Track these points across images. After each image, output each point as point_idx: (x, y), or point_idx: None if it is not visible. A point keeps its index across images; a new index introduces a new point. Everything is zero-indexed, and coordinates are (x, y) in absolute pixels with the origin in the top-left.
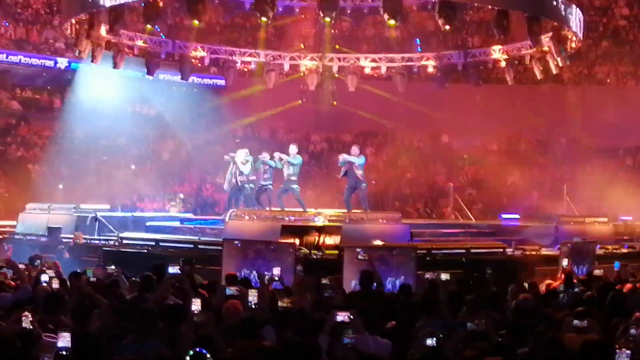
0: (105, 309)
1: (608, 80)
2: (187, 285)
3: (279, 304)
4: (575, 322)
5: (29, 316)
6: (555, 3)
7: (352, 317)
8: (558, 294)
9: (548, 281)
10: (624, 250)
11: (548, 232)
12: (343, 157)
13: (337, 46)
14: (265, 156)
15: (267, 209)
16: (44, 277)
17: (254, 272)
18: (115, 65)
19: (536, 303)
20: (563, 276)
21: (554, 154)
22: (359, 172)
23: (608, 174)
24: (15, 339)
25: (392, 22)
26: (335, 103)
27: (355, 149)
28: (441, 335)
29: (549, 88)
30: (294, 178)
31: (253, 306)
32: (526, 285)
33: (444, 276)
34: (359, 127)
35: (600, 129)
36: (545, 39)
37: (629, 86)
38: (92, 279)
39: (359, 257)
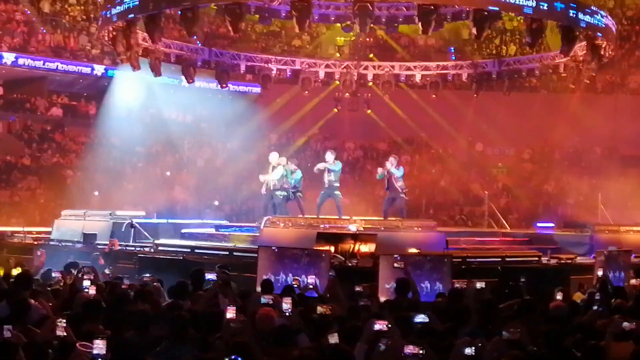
0: (140, 316)
1: None
2: (223, 293)
3: (318, 310)
4: (625, 324)
5: (64, 323)
6: (588, 13)
7: (389, 326)
8: (592, 302)
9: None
10: None
11: (583, 241)
12: (380, 170)
13: (371, 55)
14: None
15: (300, 216)
16: (86, 283)
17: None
18: (155, 73)
19: (569, 311)
20: (598, 285)
21: (588, 162)
22: (399, 184)
23: None
24: (49, 347)
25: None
26: (369, 111)
27: (392, 160)
28: (480, 344)
29: (583, 97)
30: (336, 184)
31: (288, 314)
32: (560, 293)
33: (479, 284)
34: (394, 135)
35: (634, 138)
36: (579, 48)
37: None
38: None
39: (395, 265)
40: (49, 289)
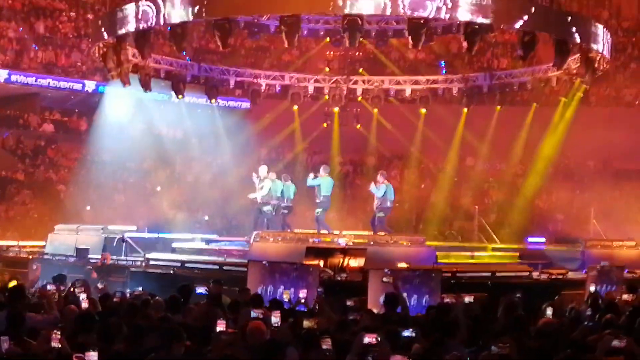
0: (132, 328)
1: (637, 102)
2: (213, 306)
3: (304, 324)
4: (615, 342)
5: (58, 335)
6: (582, 24)
7: (379, 339)
8: (583, 318)
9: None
10: None
11: (575, 256)
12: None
13: (360, 70)
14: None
15: (288, 230)
16: (82, 296)
17: (281, 288)
18: (145, 89)
19: (559, 327)
20: (589, 300)
21: (581, 176)
22: (376, 202)
23: (636, 197)
24: (44, 359)
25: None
26: (359, 126)
27: (378, 177)
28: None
29: (576, 110)
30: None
31: (276, 327)
32: (550, 309)
33: (467, 299)
34: (383, 149)
35: (628, 152)
36: (573, 61)
37: None
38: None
39: (384, 279)
40: (44, 301)
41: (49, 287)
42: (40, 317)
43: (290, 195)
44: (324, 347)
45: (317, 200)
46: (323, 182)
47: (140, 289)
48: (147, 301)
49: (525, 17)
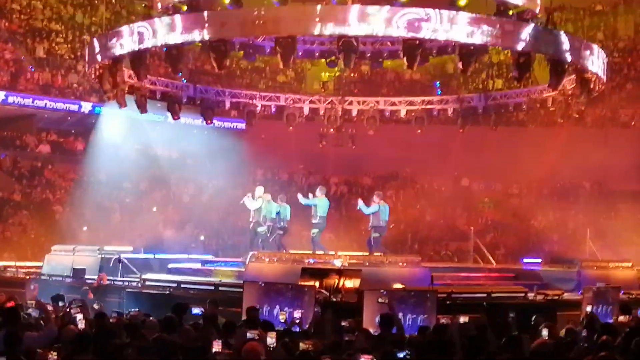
0: (128, 349)
1: (632, 123)
2: (209, 327)
3: (300, 346)
4: None
5: (55, 356)
6: (578, 45)
7: None
8: (578, 339)
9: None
10: None
11: (570, 277)
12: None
13: (355, 90)
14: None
15: (284, 251)
16: (78, 317)
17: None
18: (141, 110)
19: (554, 348)
20: (585, 321)
21: (577, 197)
22: (370, 222)
23: (632, 218)
24: None
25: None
26: (354, 146)
27: (374, 197)
28: None
29: (572, 131)
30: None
31: (271, 348)
32: (546, 329)
33: (462, 319)
34: (379, 170)
35: (625, 173)
36: (568, 82)
37: None
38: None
39: (379, 300)
40: (42, 322)
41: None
42: (37, 334)
43: (287, 217)
44: None
45: (313, 221)
46: (319, 202)
47: (137, 309)
48: (141, 322)
49: (522, 39)
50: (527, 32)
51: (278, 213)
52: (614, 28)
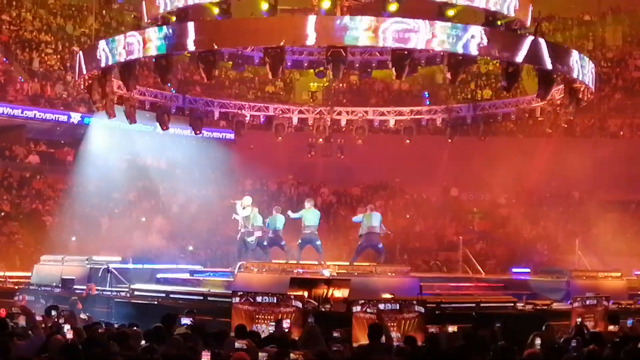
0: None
1: (621, 133)
2: (197, 337)
3: (291, 356)
4: None
5: None
6: (566, 55)
7: None
8: (567, 349)
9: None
10: (638, 306)
11: (560, 287)
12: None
13: (344, 101)
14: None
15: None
16: (67, 327)
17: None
18: (130, 121)
19: (544, 358)
20: (574, 331)
21: (566, 207)
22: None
23: (621, 228)
24: None
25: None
26: (343, 157)
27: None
28: None
29: (560, 141)
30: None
31: None
32: (538, 339)
33: (451, 328)
34: (368, 180)
35: (613, 182)
36: (557, 92)
37: None
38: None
39: (368, 310)
40: (29, 331)
41: (37, 317)
42: (25, 342)
43: (277, 226)
44: None
45: (302, 231)
46: (305, 214)
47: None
48: (135, 332)
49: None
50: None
51: (268, 224)
52: (602, 38)
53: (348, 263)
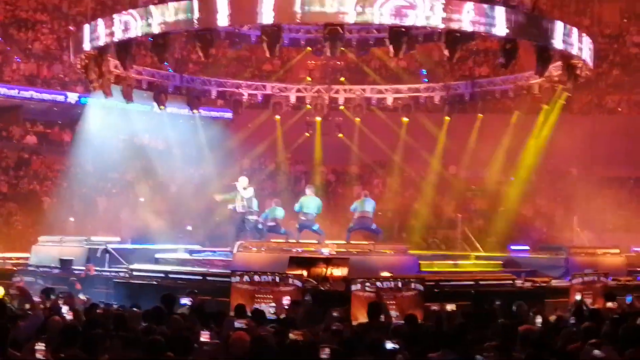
0: (115, 340)
1: (619, 109)
2: (196, 317)
3: (290, 336)
4: (596, 351)
5: (43, 347)
6: (564, 31)
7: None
8: (565, 325)
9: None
10: (637, 282)
11: (558, 264)
12: None
13: (342, 79)
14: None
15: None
16: (64, 309)
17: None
18: (127, 100)
19: (541, 334)
20: (573, 308)
21: (565, 184)
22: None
23: (620, 205)
24: None
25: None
26: (341, 135)
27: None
28: None
29: (559, 118)
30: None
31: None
32: (539, 317)
33: (449, 307)
34: (366, 158)
35: (611, 159)
36: (554, 68)
37: None
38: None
39: (367, 288)
40: (29, 312)
41: (35, 298)
42: (23, 324)
43: (277, 215)
44: (323, 356)
45: (300, 217)
46: (304, 201)
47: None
48: (134, 313)
49: (507, 25)
50: (512, 18)
51: (267, 215)
52: (599, 14)
53: (350, 242)
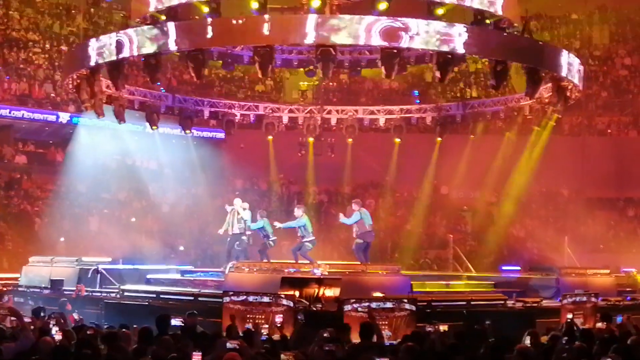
0: None
1: (609, 131)
2: (188, 338)
3: (281, 357)
4: None
5: None
6: (554, 53)
7: None
8: (558, 345)
9: None
10: (627, 303)
11: (549, 284)
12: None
13: (334, 99)
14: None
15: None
16: (55, 329)
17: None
18: (119, 120)
19: (535, 355)
20: (564, 328)
21: (555, 205)
22: (354, 230)
23: (610, 225)
24: None
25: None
26: (333, 155)
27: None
28: None
29: (549, 139)
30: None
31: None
32: (529, 337)
33: (442, 327)
34: (358, 178)
35: (601, 180)
36: (545, 90)
37: (631, 137)
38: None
39: (359, 309)
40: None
41: (26, 319)
42: (14, 344)
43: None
44: None
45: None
46: (304, 220)
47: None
48: (124, 334)
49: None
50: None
51: (262, 227)
52: (589, 36)
53: (342, 262)
